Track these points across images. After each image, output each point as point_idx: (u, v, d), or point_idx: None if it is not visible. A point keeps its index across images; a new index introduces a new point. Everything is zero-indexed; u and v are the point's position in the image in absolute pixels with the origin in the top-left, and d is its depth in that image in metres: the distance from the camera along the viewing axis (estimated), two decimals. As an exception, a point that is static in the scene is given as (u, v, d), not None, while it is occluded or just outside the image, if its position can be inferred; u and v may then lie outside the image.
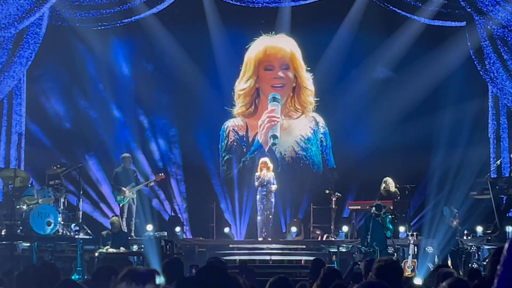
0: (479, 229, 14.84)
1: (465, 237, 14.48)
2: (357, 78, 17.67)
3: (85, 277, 12.25)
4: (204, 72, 17.90)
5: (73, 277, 11.60)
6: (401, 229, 15.28)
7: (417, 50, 17.27)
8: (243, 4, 17.30)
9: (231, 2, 17.24)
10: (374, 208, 14.33)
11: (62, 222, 14.37)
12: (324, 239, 15.98)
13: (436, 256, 13.28)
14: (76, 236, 14.13)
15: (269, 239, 15.82)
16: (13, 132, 16.54)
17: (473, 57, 16.57)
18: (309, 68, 17.84)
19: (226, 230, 16.78)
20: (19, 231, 14.06)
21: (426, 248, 13.28)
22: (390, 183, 15.82)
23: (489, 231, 14.49)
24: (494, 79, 16.39)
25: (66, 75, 17.75)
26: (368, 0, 17.32)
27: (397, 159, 16.62)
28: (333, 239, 15.72)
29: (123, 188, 15.36)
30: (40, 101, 17.44)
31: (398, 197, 15.73)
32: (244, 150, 18.00)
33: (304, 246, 15.59)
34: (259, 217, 15.92)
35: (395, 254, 13.59)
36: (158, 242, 13.41)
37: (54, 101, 17.63)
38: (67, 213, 15.00)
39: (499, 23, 16.09)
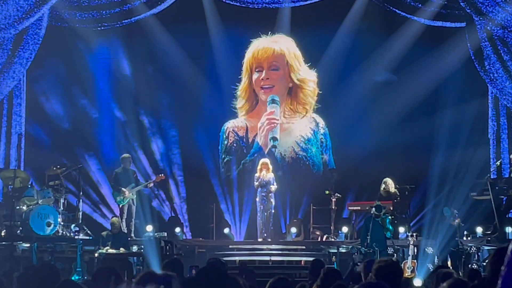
0: (479, 229, 14.83)
1: (465, 238, 14.47)
2: (357, 78, 17.65)
3: (85, 277, 12.24)
4: (204, 73, 17.91)
5: (73, 278, 11.59)
6: (401, 229, 15.28)
7: (417, 50, 17.27)
8: (243, 5, 17.30)
9: (231, 2, 17.24)
10: (374, 208, 14.33)
11: (62, 223, 14.37)
12: (324, 239, 15.98)
13: (436, 257, 13.27)
14: (76, 237, 14.12)
15: (269, 240, 15.82)
16: (13, 132, 16.55)
17: (473, 58, 16.57)
18: (312, 68, 17.83)
19: (226, 230, 16.78)
20: (19, 231, 14.06)
21: (426, 249, 13.27)
22: (390, 184, 15.82)
23: (489, 232, 14.49)
24: (494, 79, 16.39)
25: (66, 76, 17.75)
26: (368, 1, 17.32)
27: (397, 160, 16.62)
28: (333, 239, 15.72)
29: (123, 189, 15.35)
30: (40, 101, 17.44)
31: (398, 198, 15.73)
32: (244, 151, 17.99)
33: (304, 247, 15.59)
34: (259, 218, 15.92)
35: (395, 254, 13.58)
36: (158, 242, 13.40)
37: (54, 102, 17.63)
38: (67, 214, 14.99)
39: (499, 24, 16.10)
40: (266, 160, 16.34)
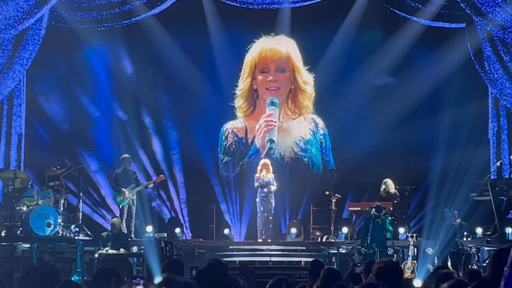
0: (479, 230, 14.82)
1: (465, 239, 14.47)
2: (357, 79, 17.65)
3: (85, 278, 12.24)
4: (204, 73, 17.90)
5: (72, 278, 11.59)
6: (401, 230, 15.27)
7: (417, 51, 17.28)
8: (243, 6, 17.30)
9: (231, 3, 17.24)
10: (374, 209, 14.32)
11: (62, 223, 14.38)
12: (324, 240, 15.97)
13: (436, 258, 13.27)
14: (76, 238, 14.13)
15: (269, 241, 15.82)
16: (13, 133, 16.55)
17: (472, 58, 16.57)
18: (311, 71, 17.82)
19: (226, 231, 16.78)
20: (19, 232, 14.06)
21: (426, 250, 13.27)
22: (390, 185, 15.81)
23: (489, 233, 14.48)
24: (494, 80, 16.39)
25: (66, 76, 17.74)
26: (367, 1, 17.32)
27: (397, 161, 16.61)
28: (333, 240, 15.71)
29: (123, 189, 15.35)
30: (40, 102, 17.45)
31: (398, 199, 15.73)
32: (244, 152, 17.99)
33: (304, 248, 15.59)
34: (259, 218, 15.92)
35: (395, 255, 13.58)
36: (158, 243, 13.40)
37: (54, 102, 17.63)
38: (67, 214, 15.01)
39: (498, 25, 16.10)
40: (266, 160, 16.35)
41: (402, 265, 12.74)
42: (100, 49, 17.50)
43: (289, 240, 16.41)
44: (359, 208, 16.19)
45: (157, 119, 18.04)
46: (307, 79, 17.84)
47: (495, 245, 13.20)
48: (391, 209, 15.21)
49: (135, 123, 17.79)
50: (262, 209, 15.83)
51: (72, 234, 14.50)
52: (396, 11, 16.97)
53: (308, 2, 17.32)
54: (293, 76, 17.86)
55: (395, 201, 15.53)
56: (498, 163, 15.96)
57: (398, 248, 14.12)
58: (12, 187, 14.49)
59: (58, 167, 15.34)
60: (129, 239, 14.56)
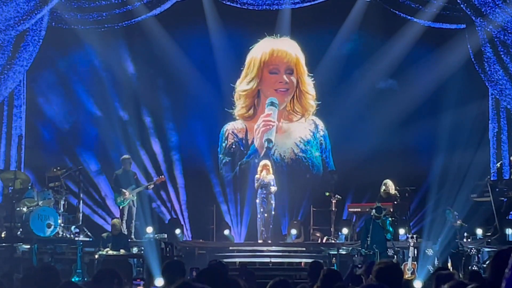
0: (479, 231, 14.82)
1: (465, 240, 14.47)
2: (357, 80, 17.65)
3: (85, 279, 12.24)
4: (204, 74, 17.90)
5: (73, 279, 11.59)
6: (401, 231, 15.26)
7: (417, 52, 17.28)
8: (243, 7, 17.30)
9: (231, 4, 17.24)
10: (374, 210, 14.33)
11: (62, 224, 14.38)
12: (324, 241, 15.97)
13: (436, 259, 13.27)
14: (76, 238, 14.13)
15: (269, 241, 15.82)
16: (13, 134, 16.55)
17: (473, 59, 16.57)
18: (311, 74, 17.82)
19: (226, 232, 16.78)
20: (19, 233, 14.07)
21: (426, 251, 13.27)
22: (390, 186, 15.81)
23: (489, 234, 14.48)
24: (494, 81, 16.40)
25: (66, 77, 17.75)
26: (368, 3, 17.33)
27: (397, 162, 16.61)
28: (333, 241, 15.71)
29: (123, 190, 15.35)
30: (40, 103, 17.45)
31: (398, 200, 15.73)
32: (244, 153, 17.99)
33: (304, 248, 15.58)
34: (259, 219, 15.92)
35: (395, 256, 13.58)
36: (158, 244, 13.40)
37: (54, 103, 17.63)
38: (67, 215, 15.01)
39: (499, 26, 16.10)
40: (266, 161, 16.36)
41: (402, 266, 12.73)
42: (100, 50, 17.49)
43: (289, 241, 16.41)
44: (359, 209, 16.19)
45: (157, 120, 18.04)
46: (309, 81, 17.86)
47: (495, 246, 13.21)
48: (391, 210, 15.21)
49: (136, 123, 17.79)
50: (262, 210, 15.84)
51: (72, 235, 14.50)
52: (396, 12, 16.97)
53: (308, 3, 17.32)
54: (299, 78, 17.84)
55: (395, 202, 15.53)
56: (498, 164, 15.96)
57: (398, 249, 14.11)
58: (12, 188, 14.49)
59: (58, 168, 15.34)
60: (129, 240, 14.55)
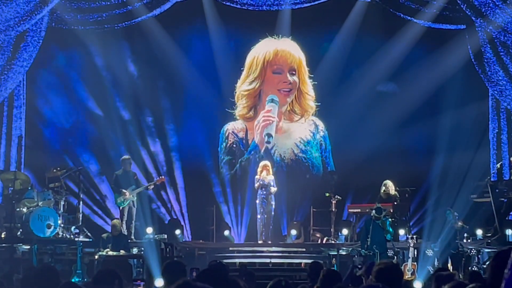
0: (479, 232, 14.82)
1: (465, 240, 14.47)
2: (357, 81, 17.65)
3: (85, 279, 12.24)
4: (204, 75, 17.90)
5: (73, 280, 11.59)
6: (401, 232, 15.26)
7: (417, 53, 17.29)
8: (243, 7, 17.30)
9: (231, 5, 17.24)
10: (374, 211, 14.33)
11: (62, 225, 14.38)
12: (324, 242, 15.97)
13: (436, 259, 13.27)
14: (76, 239, 14.12)
15: (269, 242, 15.82)
16: (13, 134, 16.55)
17: (473, 60, 16.57)
18: (311, 75, 17.81)
19: (226, 233, 16.78)
20: (19, 233, 14.07)
21: (426, 251, 13.27)
22: (390, 186, 15.81)
23: (489, 234, 14.48)
24: (494, 82, 16.40)
25: (66, 78, 17.75)
26: (368, 3, 17.32)
27: (397, 162, 16.61)
28: (333, 242, 15.71)
29: (124, 190, 15.35)
30: (40, 103, 17.45)
31: (398, 200, 15.73)
32: (244, 152, 17.99)
33: (304, 249, 15.59)
34: (259, 220, 15.92)
35: (395, 257, 13.58)
36: (158, 245, 13.40)
37: (54, 103, 17.63)
38: (67, 216, 15.01)
39: (499, 26, 16.11)
40: (266, 162, 16.36)
41: (402, 267, 12.73)
42: (100, 51, 17.49)
43: (289, 242, 16.41)
44: (359, 210, 16.18)
45: (157, 120, 18.03)
46: (309, 82, 17.86)
47: (495, 247, 13.21)
48: (391, 210, 15.21)
49: (136, 123, 17.80)
50: (262, 210, 15.84)
51: (72, 236, 14.50)
52: (396, 12, 16.97)
53: (308, 4, 17.32)
54: (301, 79, 17.83)
55: (395, 203, 15.53)
56: (498, 165, 15.97)
57: (398, 249, 14.11)
58: (12, 188, 14.49)
59: (58, 168, 15.34)
60: (129, 241, 14.54)
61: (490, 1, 16.05)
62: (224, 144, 18.06)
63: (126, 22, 17.01)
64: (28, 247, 13.70)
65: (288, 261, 15.07)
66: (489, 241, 14.11)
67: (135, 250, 14.32)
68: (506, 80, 16.26)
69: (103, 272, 5.72)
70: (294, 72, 17.86)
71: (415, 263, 13.16)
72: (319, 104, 17.88)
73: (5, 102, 16.50)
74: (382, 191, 15.80)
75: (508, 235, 14.20)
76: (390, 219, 14.98)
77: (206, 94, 17.84)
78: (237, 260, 14.51)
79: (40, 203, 14.19)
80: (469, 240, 14.57)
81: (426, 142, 17.00)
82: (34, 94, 17.25)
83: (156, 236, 15.01)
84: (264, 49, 17.74)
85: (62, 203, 14.83)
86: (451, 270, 10.20)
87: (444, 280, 5.90)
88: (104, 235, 14.16)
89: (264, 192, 15.83)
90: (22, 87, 16.73)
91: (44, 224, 13.86)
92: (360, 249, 13.60)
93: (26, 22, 15.90)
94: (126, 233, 14.86)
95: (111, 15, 16.69)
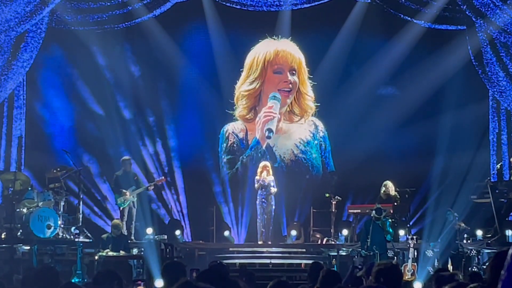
0: (479, 233, 14.83)
1: (465, 241, 14.47)
2: (357, 82, 17.65)
3: (85, 280, 12.23)
4: (204, 75, 17.91)
5: (73, 281, 11.58)
6: (401, 232, 15.26)
7: (417, 54, 17.28)
8: (243, 8, 17.31)
9: (231, 6, 17.24)
10: (374, 211, 14.32)
11: (62, 225, 14.38)
12: (324, 242, 15.96)
13: (436, 260, 13.27)
14: (76, 239, 14.13)
15: (269, 243, 15.83)
16: (13, 135, 16.56)
17: (473, 60, 16.58)
18: (310, 76, 17.82)
19: (226, 233, 16.78)
20: (19, 234, 14.07)
21: (426, 252, 13.27)
22: (390, 187, 15.80)
23: (489, 235, 14.48)
24: (494, 83, 16.40)
25: (66, 78, 17.75)
26: (367, 4, 17.32)
27: (397, 163, 16.61)
28: (333, 242, 15.70)
29: (124, 191, 15.34)
30: (40, 103, 17.46)
31: (398, 201, 15.73)
32: (244, 152, 17.99)
33: (304, 250, 15.59)
34: (259, 220, 15.93)
35: (395, 257, 13.58)
36: (158, 245, 13.39)
37: (54, 104, 17.63)
38: (67, 216, 15.00)
39: (499, 27, 16.11)
40: (266, 162, 16.37)
41: (402, 268, 12.73)
42: (100, 51, 17.49)
43: (289, 242, 16.41)
44: (359, 210, 16.18)
45: (157, 120, 18.03)
46: (308, 82, 17.87)
47: (496, 248, 13.21)
48: (391, 211, 15.21)
49: (136, 124, 17.80)
50: (262, 211, 15.84)
51: (72, 236, 14.50)
52: (397, 13, 16.97)
53: (308, 5, 17.32)
54: (300, 80, 17.84)
55: (395, 203, 15.52)
56: (498, 166, 15.97)
57: (398, 250, 14.12)
58: (12, 189, 14.50)
59: (58, 169, 15.34)
60: (129, 241, 14.54)
61: (490, 2, 16.06)
62: (224, 144, 18.06)
63: (126, 23, 17.01)
64: (28, 247, 13.70)
65: (288, 261, 15.08)
66: (489, 241, 14.11)
67: (135, 251, 14.32)
68: (506, 81, 16.27)
69: (103, 273, 5.73)
70: (294, 72, 17.87)
71: (415, 263, 13.16)
72: (319, 104, 17.88)
73: (5, 103, 16.51)
74: (382, 191, 15.80)
75: (508, 236, 14.20)
76: (390, 220, 14.98)
77: (206, 94, 17.85)
78: (237, 261, 14.51)
79: (40, 204, 14.19)
80: (469, 241, 14.57)
81: (426, 143, 16.99)
82: (34, 94, 17.26)
83: (156, 236, 15.01)
84: (264, 49, 17.75)
85: (62, 203, 14.83)
86: (451, 271, 10.19)
87: (445, 281, 5.90)
88: (104, 235, 14.16)
89: (264, 193, 15.84)
90: (22, 88, 16.74)
91: (44, 225, 13.86)
92: (360, 249, 13.60)
93: (26, 22, 15.91)
94: (126, 234, 14.85)
95: (111, 16, 16.69)
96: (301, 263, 14.74)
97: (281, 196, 17.00)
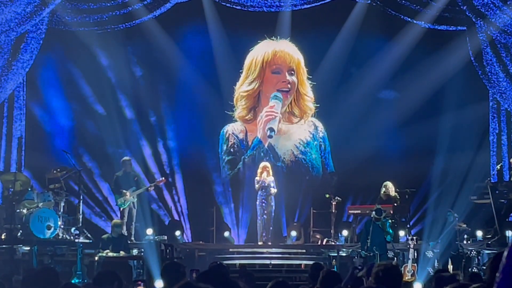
0: (479, 233, 14.82)
1: (465, 242, 14.47)
2: (357, 82, 17.65)
3: (85, 281, 12.24)
4: (204, 76, 17.91)
5: (73, 281, 11.59)
6: (401, 233, 15.27)
7: (418, 54, 17.28)
8: (244, 9, 17.31)
9: (232, 6, 17.25)
10: (374, 212, 14.32)
11: (62, 226, 14.38)
12: (324, 243, 15.96)
13: (436, 261, 13.27)
14: (76, 240, 14.13)
15: (269, 243, 15.82)
16: (13, 135, 16.56)
17: (473, 61, 16.58)
18: (310, 76, 17.82)
19: (226, 234, 16.77)
20: (19, 235, 14.07)
21: (426, 253, 13.27)
22: (390, 187, 15.80)
23: (489, 236, 14.48)
24: (495, 83, 16.41)
25: (66, 79, 17.76)
26: (367, 5, 17.32)
27: (397, 164, 16.62)
28: (333, 243, 15.71)
29: (124, 191, 15.34)
30: (40, 104, 17.46)
31: (398, 202, 15.72)
32: (244, 153, 17.99)
33: (304, 250, 15.59)
34: (259, 221, 15.93)
35: (395, 258, 13.58)
36: (158, 246, 13.39)
37: (54, 104, 17.63)
38: (67, 217, 15.00)
39: (499, 28, 16.11)
40: (266, 163, 16.37)
41: (402, 268, 12.73)
42: (100, 52, 17.49)
43: (289, 243, 16.41)
44: (359, 211, 16.18)
45: (157, 121, 18.04)
46: (307, 83, 17.87)
47: (496, 249, 13.21)
48: (391, 212, 15.21)
49: (136, 125, 17.80)
50: (262, 211, 15.84)
51: (72, 237, 14.50)
52: (397, 14, 16.97)
53: (309, 6, 17.33)
54: (299, 80, 17.84)
55: (395, 204, 15.52)
56: (498, 166, 15.97)
57: (398, 251, 14.12)
58: (12, 189, 14.50)
59: (58, 169, 15.34)
60: (129, 242, 14.54)
61: (490, 3, 16.06)
62: (225, 145, 18.06)
63: (126, 24, 17.02)
64: (28, 248, 13.70)
65: (288, 262, 15.07)
66: (489, 242, 14.10)
67: (135, 251, 14.31)
68: (506, 81, 16.27)
69: (103, 273, 5.73)
70: (292, 73, 17.88)
71: (415, 264, 13.16)
72: (319, 105, 17.88)
73: (5, 103, 16.51)
74: (382, 192, 15.80)
75: (508, 237, 14.19)
76: (390, 221, 14.98)
77: (206, 95, 17.85)
78: (237, 261, 14.51)
79: (40, 204, 14.19)
80: (469, 242, 14.58)
81: (426, 143, 16.99)
82: (34, 95, 17.26)
83: (156, 237, 15.00)
84: (262, 50, 17.77)
85: (62, 204, 14.83)
86: (451, 272, 10.20)
87: (445, 281, 5.90)
88: (104, 236, 14.15)
89: (264, 193, 15.84)
90: (22, 88, 16.75)
91: (44, 225, 13.86)
92: (360, 250, 13.60)
93: (26, 23, 15.91)
94: (126, 234, 14.85)
95: (111, 16, 16.70)
96: (301, 264, 14.75)
97: (281, 197, 17.00)
